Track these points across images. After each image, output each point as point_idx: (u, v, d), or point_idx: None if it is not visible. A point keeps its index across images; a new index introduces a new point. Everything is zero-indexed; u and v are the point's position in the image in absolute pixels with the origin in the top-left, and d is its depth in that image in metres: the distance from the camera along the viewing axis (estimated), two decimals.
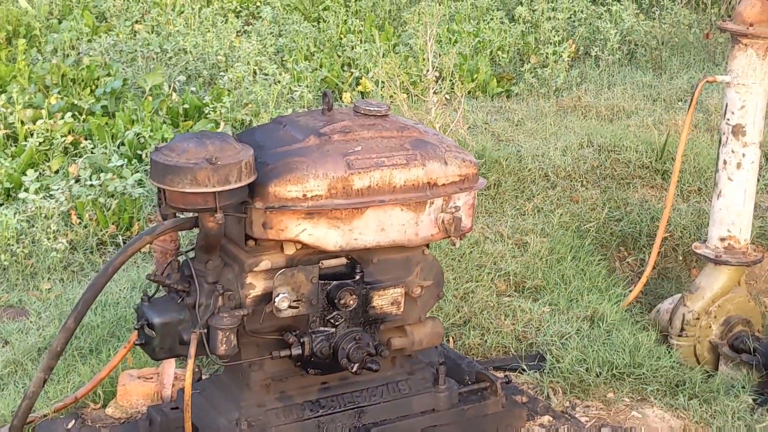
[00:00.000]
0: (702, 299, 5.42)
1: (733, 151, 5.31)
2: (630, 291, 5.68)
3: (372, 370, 3.56)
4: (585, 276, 5.69)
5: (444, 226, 3.59)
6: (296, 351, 3.42)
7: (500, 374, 4.49)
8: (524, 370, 4.81)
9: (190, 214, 3.36)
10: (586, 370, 4.75)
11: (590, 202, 6.37)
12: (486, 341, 5.00)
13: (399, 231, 3.52)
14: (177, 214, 3.38)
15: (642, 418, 4.60)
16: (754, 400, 5.04)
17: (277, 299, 3.31)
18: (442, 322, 4.55)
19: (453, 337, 5.01)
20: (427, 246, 3.71)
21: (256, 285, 3.37)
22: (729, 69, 5.29)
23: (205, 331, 3.28)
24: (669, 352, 5.09)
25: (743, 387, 5.04)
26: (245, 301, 3.35)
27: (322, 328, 3.48)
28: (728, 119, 5.31)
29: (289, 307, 3.34)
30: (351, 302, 3.47)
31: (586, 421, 4.48)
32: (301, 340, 3.43)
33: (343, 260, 3.55)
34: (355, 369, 3.51)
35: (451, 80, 7.59)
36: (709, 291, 5.42)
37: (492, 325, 5.11)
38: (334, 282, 3.46)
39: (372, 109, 3.63)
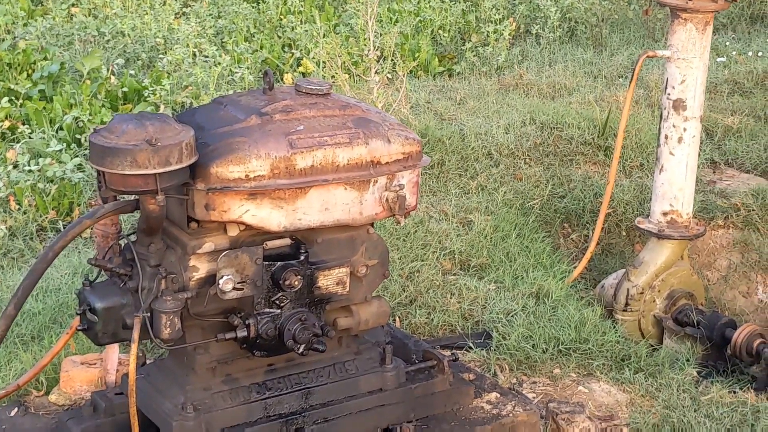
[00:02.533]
0: (646, 274, 5.45)
1: (674, 126, 5.34)
2: (574, 267, 5.70)
3: (318, 351, 3.52)
4: (530, 253, 5.70)
5: (388, 205, 3.56)
6: (242, 333, 3.37)
7: (447, 352, 4.48)
8: (471, 347, 4.80)
9: (131, 197, 3.31)
10: (533, 347, 4.76)
11: (533, 180, 6.38)
12: (432, 320, 5.00)
13: (343, 210, 3.49)
14: (117, 197, 3.33)
15: (588, 392, 4.61)
16: (698, 372, 5.09)
17: (221, 281, 3.26)
18: (388, 301, 4.56)
19: (399, 317, 5.00)
20: (372, 225, 3.67)
21: (200, 267, 3.32)
22: (669, 44, 5.32)
23: (149, 315, 3.23)
24: (614, 327, 5.12)
25: (687, 360, 5.08)
26: (189, 284, 3.30)
27: (267, 310, 3.42)
28: (669, 94, 5.34)
29: (234, 289, 3.30)
30: (296, 283, 3.43)
31: (534, 397, 4.49)
32: (247, 322, 3.38)
33: (287, 241, 3.50)
34: (301, 350, 3.46)
35: (392, 60, 7.55)
36: (653, 265, 5.45)
37: (438, 304, 5.10)
38: (279, 263, 3.41)
39: (313, 87, 3.58)
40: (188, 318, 3.34)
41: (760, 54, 8.22)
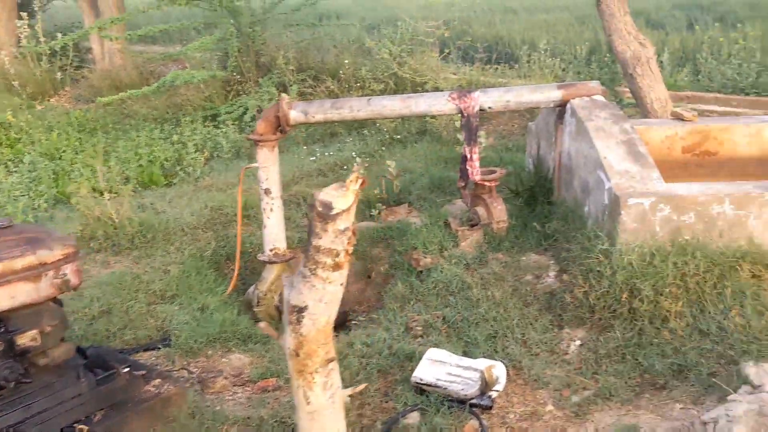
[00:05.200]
0: (266, 284, 5.20)
1: (266, 203, 5.12)
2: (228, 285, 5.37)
3: (27, 383, 3.04)
4: (204, 283, 5.30)
5: (58, 287, 3.11)
6: None
7: (137, 356, 4.05)
8: (158, 348, 4.38)
9: None
10: (195, 341, 4.39)
11: (207, 240, 5.97)
12: (137, 335, 4.53)
13: (26, 296, 3.02)
14: None
15: (228, 362, 4.30)
16: None
17: None
18: (111, 329, 4.12)
19: (119, 337, 4.49)
20: (53, 300, 3.20)
21: None
22: (257, 159, 5.09)
23: None
24: (248, 319, 4.82)
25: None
26: None
27: None
28: (262, 185, 5.12)
29: None
30: (1, 346, 2.94)
31: (195, 371, 4.13)
32: None
33: None
34: (12, 386, 2.98)
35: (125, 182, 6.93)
36: (269, 278, 5.21)
37: (143, 324, 4.63)
38: None
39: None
40: None
41: (332, 153, 8.17)
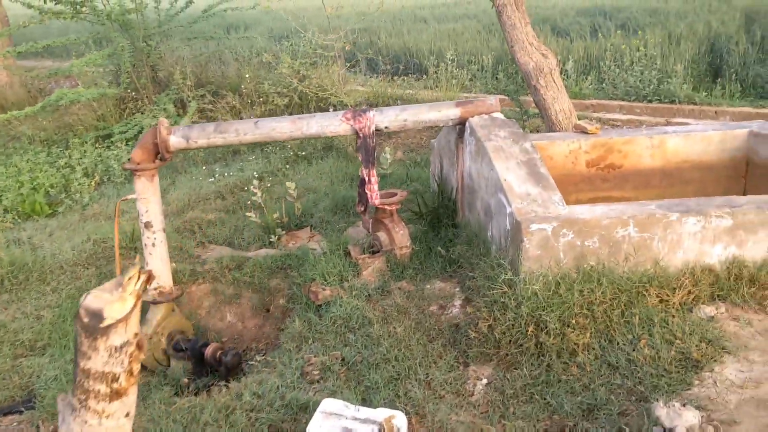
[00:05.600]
0: (151, 326, 4.69)
1: (148, 237, 4.62)
2: None
3: None
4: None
5: None
6: None
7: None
8: (20, 411, 3.83)
9: None
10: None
11: (89, 277, 5.40)
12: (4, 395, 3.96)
13: None
14: None
15: None
16: (189, 379, 4.42)
17: None
18: None
19: None
20: None
21: None
22: (135, 190, 4.58)
23: None
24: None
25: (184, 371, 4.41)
26: None
27: None
28: (142, 218, 4.61)
29: None
30: None
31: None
32: None
33: None
34: None
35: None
36: (155, 320, 4.71)
37: (4, 384, 4.06)
38: None
39: None
40: None
41: (233, 173, 7.68)
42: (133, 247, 5.70)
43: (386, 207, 4.74)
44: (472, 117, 4.61)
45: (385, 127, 4.63)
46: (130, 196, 4.65)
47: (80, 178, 7.58)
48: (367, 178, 4.66)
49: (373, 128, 4.59)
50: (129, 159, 4.74)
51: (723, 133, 5.47)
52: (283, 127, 4.58)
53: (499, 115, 4.64)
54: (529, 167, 4.14)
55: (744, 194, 5.56)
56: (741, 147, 5.47)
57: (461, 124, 4.72)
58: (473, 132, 4.48)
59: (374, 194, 4.69)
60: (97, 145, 8.71)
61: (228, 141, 4.59)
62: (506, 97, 8.27)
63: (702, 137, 5.46)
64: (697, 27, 11.77)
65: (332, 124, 4.57)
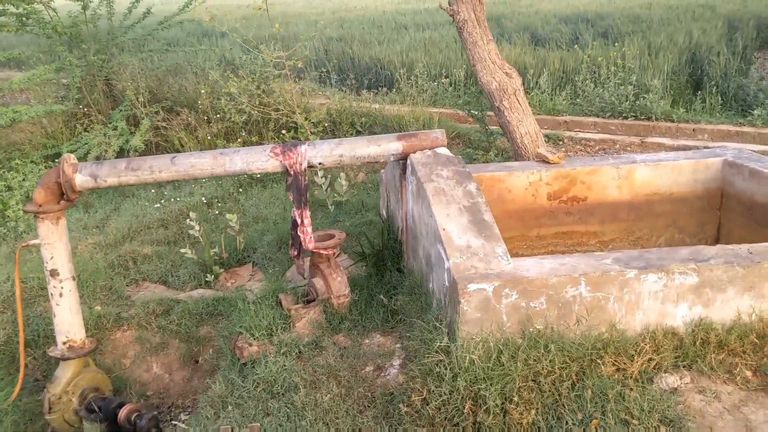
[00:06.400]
0: (60, 385, 4.18)
1: (54, 287, 4.10)
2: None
3: None
4: None
5: None
6: None
7: None
8: None
9: None
10: None
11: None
12: None
13: None
14: None
15: None
16: None
17: None
18: None
19: None
20: None
21: None
22: (38, 235, 4.07)
23: None
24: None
25: None
26: None
27: None
28: (47, 266, 4.10)
29: None
30: None
31: None
32: None
33: None
34: None
35: None
36: (64, 378, 4.20)
37: None
38: None
39: None
40: None
41: (181, 198, 7.16)
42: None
43: (322, 251, 4.24)
44: (414, 153, 4.12)
45: (319, 164, 4.14)
46: (32, 242, 4.14)
47: (17, 204, 7.04)
48: (299, 220, 4.16)
49: (305, 165, 4.10)
50: (30, 200, 4.23)
51: (695, 162, 5.01)
52: (203, 164, 4.08)
53: (444, 151, 4.15)
54: (472, 214, 3.65)
55: (719, 228, 5.10)
56: (715, 177, 5.01)
57: (405, 158, 4.23)
58: (414, 171, 4.00)
59: (308, 237, 4.19)
60: (43, 165, 8.17)
61: (142, 179, 4.09)
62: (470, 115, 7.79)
63: (673, 167, 5.00)
64: (678, 37, 11.33)
65: (258, 160, 4.08)
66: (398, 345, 3.93)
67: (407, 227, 4.34)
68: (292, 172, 4.10)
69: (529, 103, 9.08)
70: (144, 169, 4.07)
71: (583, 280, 3.25)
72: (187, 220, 5.59)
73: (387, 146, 4.14)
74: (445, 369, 3.22)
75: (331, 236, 4.35)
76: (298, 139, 7.60)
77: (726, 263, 3.30)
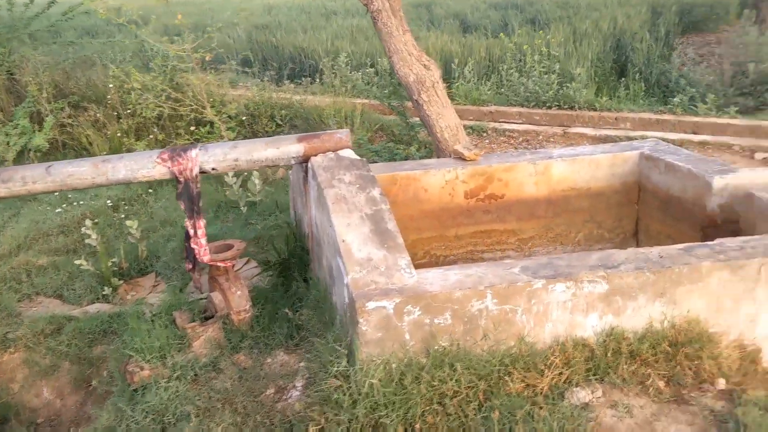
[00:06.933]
0: None
1: None
2: None
3: None
4: None
5: None
6: None
7: None
8: None
9: None
10: None
11: None
12: None
13: None
14: None
15: None
16: None
17: None
18: None
19: None
20: None
21: None
22: None
23: None
24: None
25: None
26: None
27: None
28: None
29: None
30: None
31: None
32: None
33: None
34: None
35: None
36: None
37: None
38: None
39: None
40: None
41: (86, 201, 6.67)
42: None
43: (219, 264, 3.91)
44: (316, 155, 3.83)
45: (212, 169, 3.80)
46: None
47: None
48: (192, 231, 3.82)
49: (196, 171, 3.75)
50: None
51: (612, 156, 4.87)
52: (83, 173, 3.68)
53: (349, 153, 3.87)
54: (375, 222, 3.38)
55: (637, 222, 4.99)
56: (632, 171, 4.89)
57: (307, 161, 3.93)
58: (315, 175, 3.70)
59: (203, 249, 3.85)
60: None
61: (14, 192, 3.67)
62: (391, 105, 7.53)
63: (590, 162, 4.86)
64: (603, 23, 11.31)
65: (144, 168, 3.71)
66: (302, 364, 3.65)
67: (312, 234, 4.06)
68: (182, 179, 3.75)
69: (454, 93, 8.91)
70: (15, 180, 3.65)
71: (489, 293, 3.03)
72: (82, 229, 5.15)
73: (287, 149, 3.83)
74: (344, 395, 2.96)
75: (230, 246, 4.02)
76: (217, 135, 7.19)
77: (636, 269, 3.13)
